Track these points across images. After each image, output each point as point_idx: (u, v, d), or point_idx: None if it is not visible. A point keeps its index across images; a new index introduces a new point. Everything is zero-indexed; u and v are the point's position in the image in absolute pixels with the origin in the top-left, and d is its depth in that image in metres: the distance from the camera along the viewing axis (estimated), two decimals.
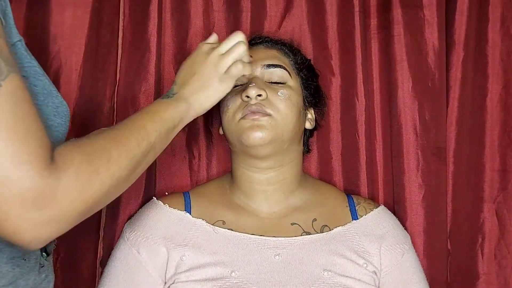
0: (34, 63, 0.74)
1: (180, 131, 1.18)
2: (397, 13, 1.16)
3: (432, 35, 1.15)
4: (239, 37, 0.88)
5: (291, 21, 1.22)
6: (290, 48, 1.09)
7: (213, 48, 0.87)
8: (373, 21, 1.20)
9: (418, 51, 1.16)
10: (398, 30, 1.16)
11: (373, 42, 1.20)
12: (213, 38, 0.92)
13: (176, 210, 1.02)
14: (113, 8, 1.18)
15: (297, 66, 1.06)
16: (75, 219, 0.65)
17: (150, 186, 1.14)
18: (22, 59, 0.72)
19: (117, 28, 1.18)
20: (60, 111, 0.77)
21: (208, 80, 0.85)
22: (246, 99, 0.96)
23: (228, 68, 0.86)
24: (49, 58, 1.13)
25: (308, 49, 1.20)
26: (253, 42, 1.07)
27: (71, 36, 1.15)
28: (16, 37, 0.71)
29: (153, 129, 0.78)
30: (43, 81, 0.75)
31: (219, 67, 0.85)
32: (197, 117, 1.19)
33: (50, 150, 0.62)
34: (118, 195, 0.74)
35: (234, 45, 0.87)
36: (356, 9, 1.19)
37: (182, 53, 1.19)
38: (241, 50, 0.87)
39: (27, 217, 0.59)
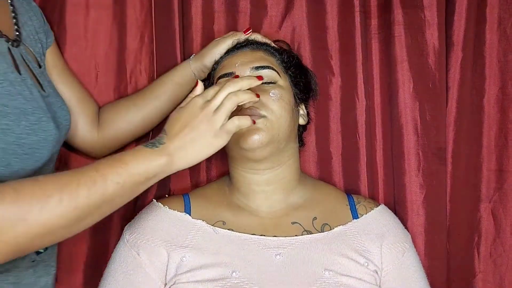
0: (6, 83, 0.74)
1: None
2: (398, 14, 1.16)
3: (432, 36, 1.16)
4: (229, 89, 0.85)
5: (291, 21, 1.22)
6: (275, 48, 1.09)
7: (207, 102, 0.84)
8: (374, 22, 1.21)
9: (418, 51, 1.16)
10: (399, 30, 1.16)
11: (373, 42, 1.20)
12: (200, 88, 0.89)
13: (176, 211, 1.01)
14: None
15: (284, 64, 1.06)
16: (2, 258, 0.66)
17: (150, 188, 1.13)
18: None
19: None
20: (36, 129, 0.77)
21: (200, 135, 0.82)
22: None
23: (224, 123, 0.83)
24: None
25: (308, 49, 1.20)
26: (238, 46, 1.07)
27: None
28: None
29: (115, 181, 0.74)
30: (16, 100, 0.75)
31: (214, 122, 0.82)
32: None
33: None
34: (61, 239, 0.72)
35: (225, 98, 0.84)
36: (357, 9, 1.18)
37: (182, 53, 1.18)
38: (232, 103, 0.84)
39: None
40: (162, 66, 1.18)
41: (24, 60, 0.85)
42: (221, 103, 0.83)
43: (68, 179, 0.71)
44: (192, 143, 0.81)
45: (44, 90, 0.88)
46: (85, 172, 0.73)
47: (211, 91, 0.86)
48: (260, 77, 0.91)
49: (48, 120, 0.80)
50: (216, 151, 0.84)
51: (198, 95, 0.86)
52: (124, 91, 1.18)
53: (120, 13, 1.17)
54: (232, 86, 0.85)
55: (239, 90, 0.86)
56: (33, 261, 0.85)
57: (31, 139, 0.76)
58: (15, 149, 0.74)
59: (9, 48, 0.81)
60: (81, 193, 0.71)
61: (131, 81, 1.19)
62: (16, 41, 0.85)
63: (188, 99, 0.87)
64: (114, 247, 1.02)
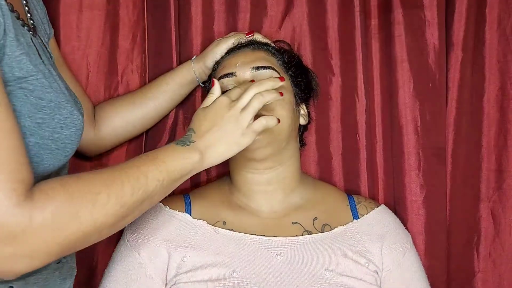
0: (40, 75, 0.72)
1: (182, 132, 1.20)
2: (398, 14, 1.17)
3: (432, 36, 1.16)
4: (255, 89, 0.88)
5: (292, 21, 1.21)
6: (276, 48, 1.09)
7: (232, 101, 0.87)
8: (374, 22, 1.20)
9: (419, 51, 1.16)
10: (399, 30, 1.17)
11: (373, 42, 1.20)
12: (217, 87, 0.91)
13: (177, 211, 1.01)
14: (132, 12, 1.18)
15: (285, 65, 1.06)
16: (48, 258, 0.64)
17: None
18: (28, 72, 0.70)
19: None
20: (69, 122, 0.76)
21: (228, 134, 0.85)
22: None
23: (251, 122, 0.86)
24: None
25: (308, 49, 1.20)
26: (239, 46, 1.07)
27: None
28: (19, 50, 0.69)
29: (155, 178, 0.75)
30: (50, 93, 0.73)
31: (241, 121, 0.85)
32: None
33: (27, 185, 0.61)
34: (101, 239, 0.72)
35: (253, 98, 0.87)
36: (357, 9, 1.18)
37: (182, 53, 1.18)
38: (260, 103, 0.87)
39: None
40: (155, 66, 1.18)
41: (43, 50, 0.84)
42: (248, 103, 0.86)
43: (111, 177, 0.71)
44: (220, 141, 0.84)
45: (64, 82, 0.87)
46: (126, 169, 0.74)
47: (236, 91, 0.89)
48: (282, 78, 0.94)
49: (78, 113, 0.79)
50: (241, 149, 0.86)
51: (223, 95, 0.88)
52: (115, 90, 1.17)
53: (113, 13, 1.16)
54: (258, 87, 0.88)
55: (264, 91, 0.88)
56: (58, 263, 0.83)
57: (64, 133, 0.75)
58: (49, 144, 0.73)
59: (31, 38, 0.80)
60: (126, 190, 0.71)
61: (123, 81, 1.18)
62: (33, 30, 0.84)
63: (209, 98, 0.89)
64: (115, 247, 1.02)
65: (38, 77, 0.72)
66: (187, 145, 0.82)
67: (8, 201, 0.58)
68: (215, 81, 0.92)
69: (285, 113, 0.98)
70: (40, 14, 0.94)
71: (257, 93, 0.87)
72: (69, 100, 0.78)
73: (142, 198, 0.73)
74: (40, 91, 0.72)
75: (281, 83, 0.93)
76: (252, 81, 0.96)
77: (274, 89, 0.98)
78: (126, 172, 0.73)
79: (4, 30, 0.66)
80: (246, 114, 0.86)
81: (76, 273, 0.91)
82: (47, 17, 1.00)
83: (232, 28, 1.20)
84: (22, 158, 0.62)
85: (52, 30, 1.03)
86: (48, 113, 0.72)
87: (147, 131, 1.18)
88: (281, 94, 0.92)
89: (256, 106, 0.86)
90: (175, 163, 0.79)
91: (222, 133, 0.84)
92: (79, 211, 0.65)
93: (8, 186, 0.59)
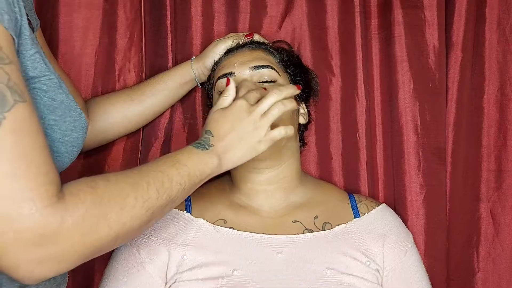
0: (53, 75, 0.71)
1: (180, 131, 1.20)
2: (398, 14, 1.17)
3: (432, 36, 1.16)
4: (275, 96, 0.88)
5: (292, 21, 1.22)
6: (274, 47, 1.09)
7: (251, 106, 0.87)
8: (374, 22, 1.21)
9: (418, 51, 1.16)
10: (399, 30, 1.17)
11: (373, 42, 1.21)
12: (232, 87, 0.91)
13: (177, 210, 1.01)
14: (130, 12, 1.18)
15: (283, 63, 1.06)
16: (76, 261, 0.63)
17: None
18: (41, 72, 0.69)
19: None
20: (78, 125, 0.75)
21: (246, 139, 0.84)
22: None
23: (270, 130, 0.86)
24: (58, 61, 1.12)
25: (308, 49, 1.20)
26: (237, 46, 1.08)
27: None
28: (33, 49, 0.68)
29: (178, 182, 0.75)
30: (61, 94, 0.72)
31: (260, 128, 0.85)
32: (196, 118, 1.21)
33: (56, 186, 0.60)
34: (125, 242, 0.71)
35: (273, 106, 0.87)
36: (357, 9, 1.19)
37: (182, 53, 1.19)
38: (280, 111, 0.87)
39: (24, 253, 0.58)
40: (152, 65, 1.18)
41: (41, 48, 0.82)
42: (268, 110, 0.86)
43: (136, 179, 0.70)
44: (238, 146, 0.84)
45: None
46: (150, 172, 0.73)
47: (253, 95, 0.89)
48: (299, 87, 0.95)
49: (85, 116, 0.77)
50: (256, 155, 0.86)
51: (241, 98, 0.88)
52: (112, 89, 1.17)
53: (110, 12, 1.16)
54: (277, 94, 0.88)
55: (284, 99, 0.89)
56: None
57: (73, 136, 0.74)
58: (59, 147, 0.72)
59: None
60: (152, 194, 0.70)
61: (120, 80, 1.18)
62: (30, 25, 0.81)
63: (225, 99, 0.89)
64: None
65: (51, 77, 0.70)
66: (206, 149, 0.82)
67: (41, 202, 0.57)
68: (231, 80, 0.92)
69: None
70: (29, 5, 0.93)
71: (278, 101, 0.88)
72: (76, 101, 0.76)
73: (166, 202, 0.73)
74: (53, 92, 0.71)
75: (298, 91, 0.94)
76: (264, 88, 0.95)
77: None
78: (149, 175, 0.72)
79: (20, 28, 0.65)
80: (265, 121, 0.86)
81: (68, 278, 0.90)
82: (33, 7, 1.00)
83: (232, 28, 1.20)
84: (49, 158, 0.61)
85: (39, 21, 1.02)
86: (59, 115, 0.71)
87: (143, 130, 1.18)
88: (298, 104, 0.94)
89: (276, 114, 0.87)
90: (196, 168, 0.79)
91: (240, 138, 0.84)
92: (108, 214, 0.64)
93: (41, 188, 0.58)
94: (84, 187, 0.63)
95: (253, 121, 0.85)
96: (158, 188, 0.71)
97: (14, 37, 0.62)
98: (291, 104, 0.90)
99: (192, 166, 0.78)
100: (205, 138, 0.84)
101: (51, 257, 0.60)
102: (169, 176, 0.74)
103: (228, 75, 1.01)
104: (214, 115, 0.87)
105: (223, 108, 0.87)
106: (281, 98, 0.88)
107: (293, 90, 0.92)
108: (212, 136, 0.84)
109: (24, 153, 0.58)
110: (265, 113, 0.86)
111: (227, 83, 0.92)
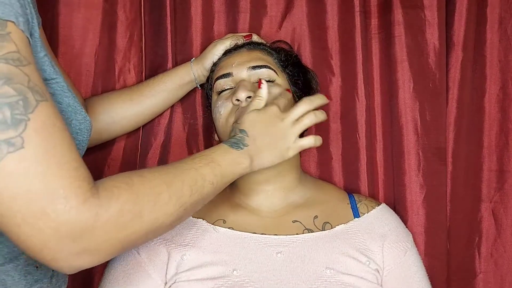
0: (60, 78, 0.71)
1: (180, 131, 1.20)
2: (398, 14, 1.16)
3: (432, 36, 1.16)
4: (307, 106, 0.91)
5: (292, 21, 1.22)
6: (272, 47, 1.10)
7: (283, 113, 0.90)
8: (374, 22, 1.20)
9: (419, 51, 1.16)
10: (399, 30, 1.16)
11: (373, 42, 1.20)
12: (265, 89, 0.93)
13: None
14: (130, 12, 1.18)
15: (281, 63, 1.06)
16: (110, 254, 0.64)
17: None
18: (49, 75, 0.69)
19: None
20: (83, 128, 0.75)
21: (276, 144, 0.87)
22: (236, 102, 0.98)
23: (298, 137, 0.89)
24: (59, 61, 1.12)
25: (308, 49, 1.20)
26: (236, 47, 1.08)
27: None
28: (42, 51, 0.68)
29: (210, 181, 0.76)
30: (68, 97, 0.72)
31: (290, 135, 0.88)
32: (196, 118, 1.21)
33: (88, 181, 0.61)
34: (157, 237, 0.73)
35: (305, 116, 0.90)
36: (357, 9, 1.19)
37: (182, 53, 1.19)
38: (311, 122, 0.91)
39: (62, 247, 0.59)
40: (152, 65, 1.18)
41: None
42: (300, 119, 0.90)
43: (171, 176, 0.71)
44: (268, 149, 0.86)
45: None
46: (184, 170, 0.74)
47: (282, 101, 0.94)
48: (329, 97, 0.99)
49: (89, 118, 0.78)
50: (282, 161, 0.90)
51: (273, 103, 0.90)
52: (112, 89, 1.18)
53: (110, 12, 1.17)
54: (309, 104, 0.92)
55: (315, 109, 0.92)
56: (54, 270, 0.83)
57: (78, 139, 0.74)
58: None
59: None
60: (185, 192, 0.71)
61: (120, 80, 1.19)
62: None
63: (259, 101, 0.91)
64: None
65: (58, 81, 0.71)
66: (241, 148, 0.83)
67: (75, 199, 0.58)
68: (263, 81, 0.94)
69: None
70: (32, 3, 0.93)
71: (310, 110, 0.91)
72: (80, 103, 0.76)
73: (198, 199, 0.74)
74: (60, 95, 0.71)
75: (328, 101, 0.97)
76: (260, 83, 0.96)
77: (273, 88, 0.99)
78: (184, 173, 0.73)
79: (31, 30, 0.65)
80: (296, 129, 0.89)
81: (67, 279, 0.91)
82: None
83: (232, 28, 1.20)
84: (77, 154, 0.61)
85: (40, 19, 1.03)
86: (65, 118, 0.71)
87: (143, 130, 1.18)
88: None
89: (307, 124, 0.90)
90: (229, 168, 0.80)
91: (272, 142, 0.86)
92: (142, 210, 0.65)
93: (74, 184, 0.58)
94: (119, 184, 0.65)
95: (285, 128, 0.88)
96: (192, 186, 0.72)
97: (30, 37, 0.63)
98: (323, 115, 0.93)
99: (225, 165, 0.79)
100: (240, 137, 0.85)
101: (87, 251, 0.61)
102: (202, 175, 0.75)
103: (226, 76, 1.02)
104: (249, 115, 0.89)
105: (258, 110, 0.89)
106: (312, 107, 0.92)
107: (324, 100, 0.96)
108: (247, 136, 0.85)
109: (53, 152, 0.58)
110: (297, 121, 0.89)
111: (259, 85, 0.93)
